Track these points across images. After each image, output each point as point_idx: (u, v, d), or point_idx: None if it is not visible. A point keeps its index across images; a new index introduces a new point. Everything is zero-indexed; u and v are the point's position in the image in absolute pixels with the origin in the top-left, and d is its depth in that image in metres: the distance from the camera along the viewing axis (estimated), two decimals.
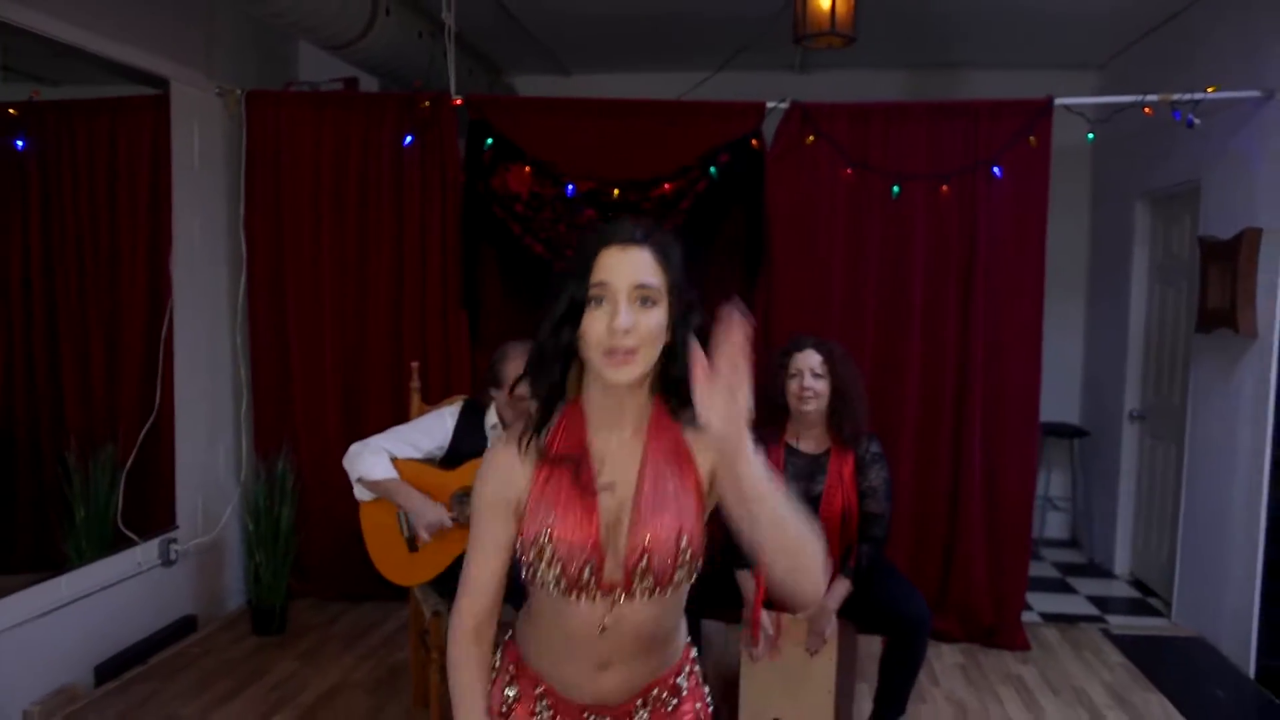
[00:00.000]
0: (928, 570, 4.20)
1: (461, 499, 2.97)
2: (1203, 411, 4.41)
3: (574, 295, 1.36)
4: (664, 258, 1.38)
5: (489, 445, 2.99)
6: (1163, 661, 4.07)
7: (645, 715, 1.51)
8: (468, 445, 3.00)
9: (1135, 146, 5.09)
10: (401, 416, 3.37)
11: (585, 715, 1.49)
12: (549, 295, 1.39)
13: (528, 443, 1.43)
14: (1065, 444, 5.98)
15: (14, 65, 3.64)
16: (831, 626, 3.00)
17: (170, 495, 4.15)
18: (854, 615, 3.09)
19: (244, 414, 4.40)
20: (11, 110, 3.84)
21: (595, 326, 1.33)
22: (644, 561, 1.39)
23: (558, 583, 1.40)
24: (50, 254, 3.96)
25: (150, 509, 4.09)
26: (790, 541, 1.25)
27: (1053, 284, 5.96)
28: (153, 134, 4.13)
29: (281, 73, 4.90)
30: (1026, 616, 4.43)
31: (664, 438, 1.43)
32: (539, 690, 1.50)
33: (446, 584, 2.98)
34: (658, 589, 1.41)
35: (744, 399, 1.16)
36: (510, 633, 1.56)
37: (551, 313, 1.37)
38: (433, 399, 3.58)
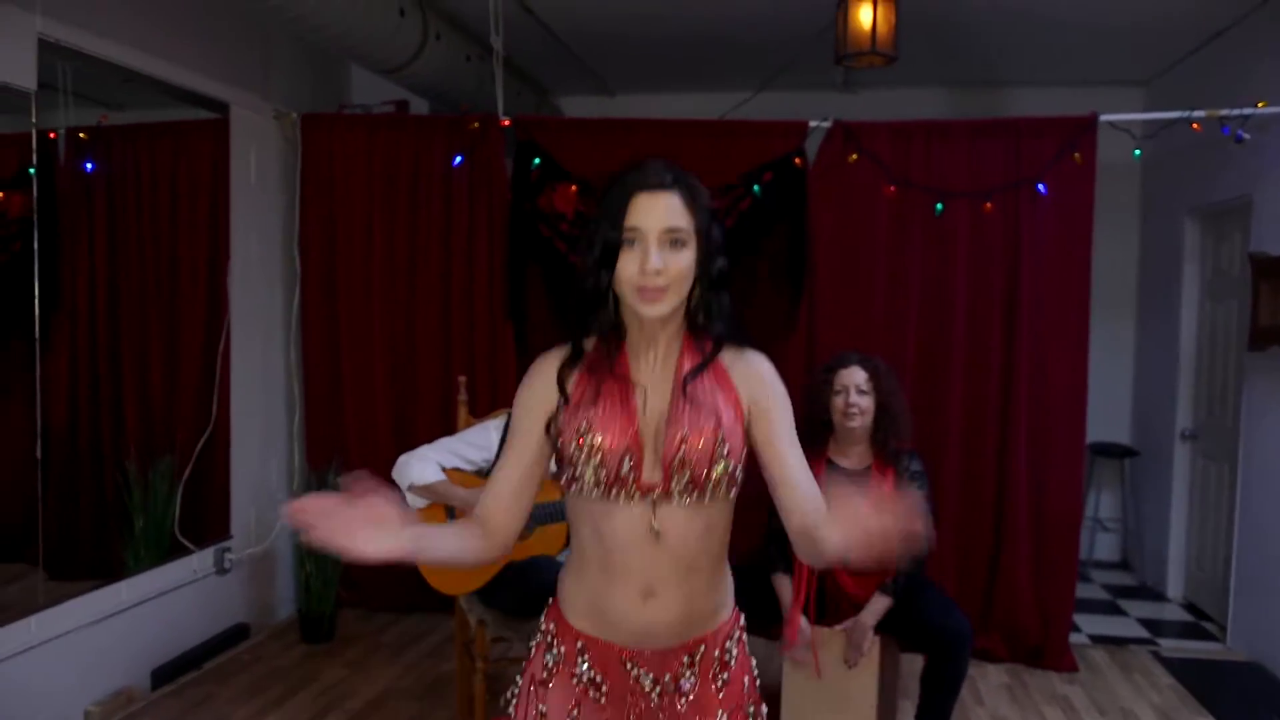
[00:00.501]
0: (973, 588, 4.17)
1: None
2: (1257, 431, 4.34)
3: (607, 239, 1.44)
4: (692, 201, 1.45)
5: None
6: (1215, 685, 3.99)
7: (693, 677, 1.51)
8: None
9: (1183, 162, 5.04)
10: (451, 429, 3.44)
11: (629, 666, 1.49)
12: (583, 241, 1.50)
13: (569, 358, 1.51)
14: (1115, 464, 5.90)
15: (84, 91, 3.78)
16: (869, 640, 3.01)
17: (225, 506, 4.25)
18: (895, 632, 3.09)
19: (296, 427, 4.51)
20: (82, 134, 3.98)
21: (629, 267, 1.43)
22: (680, 453, 1.43)
23: (597, 479, 1.44)
24: (115, 271, 4.08)
25: (206, 519, 4.19)
26: None
27: (1101, 302, 5.90)
28: (212, 156, 4.26)
29: (334, 96, 5.05)
30: (1075, 638, 4.37)
31: (697, 358, 1.50)
32: (579, 644, 1.51)
33: (492, 594, 3.03)
34: (696, 490, 1.44)
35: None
36: (551, 599, 1.59)
37: (588, 257, 1.46)
38: (480, 411, 3.65)
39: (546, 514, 2.99)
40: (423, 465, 3.00)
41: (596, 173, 4.26)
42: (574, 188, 4.26)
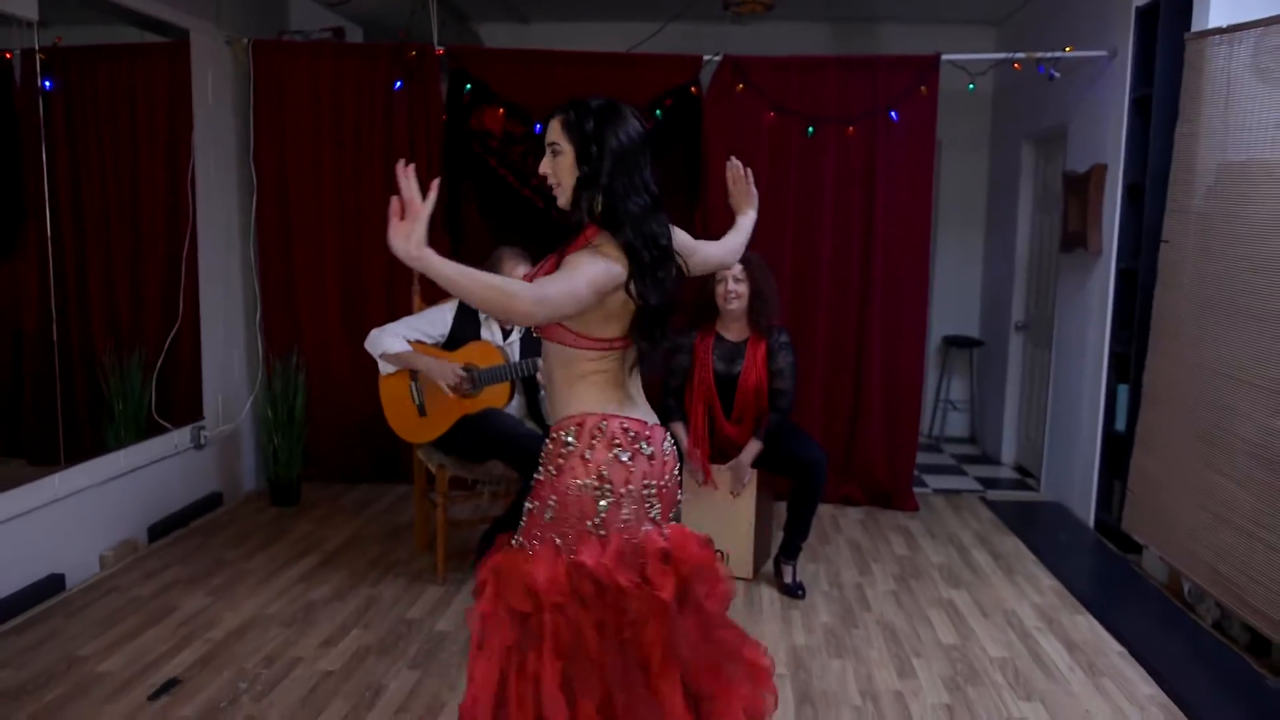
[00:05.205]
0: (836, 444, 5.06)
1: (466, 371, 3.74)
2: (1065, 317, 5.31)
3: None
4: (567, 121, 1.92)
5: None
6: (1025, 518, 5.02)
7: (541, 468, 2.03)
8: (464, 332, 3.77)
9: (1021, 96, 5.92)
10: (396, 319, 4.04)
11: None
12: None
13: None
14: (965, 353, 6.91)
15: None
16: (749, 475, 3.86)
17: (195, 391, 4.82)
18: (769, 465, 3.95)
19: (257, 320, 5.09)
20: (40, 55, 4.36)
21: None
22: None
23: None
24: (78, 184, 4.49)
25: (177, 403, 4.73)
26: (483, 291, 1.70)
27: (958, 215, 6.88)
28: (168, 77, 4.69)
29: (275, 23, 5.48)
30: (920, 491, 5.35)
31: (580, 240, 1.96)
32: None
33: (450, 441, 3.76)
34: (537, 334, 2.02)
35: (417, 234, 1.61)
36: None
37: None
38: (430, 300, 4.28)
39: (493, 375, 3.73)
40: (392, 338, 3.68)
41: (521, 96, 4.89)
42: (501, 110, 4.88)
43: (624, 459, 1.95)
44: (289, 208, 5.01)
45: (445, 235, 5.00)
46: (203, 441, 4.76)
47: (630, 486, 1.96)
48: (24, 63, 4.19)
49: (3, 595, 3.47)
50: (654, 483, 2.00)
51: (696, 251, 2.17)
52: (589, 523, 1.94)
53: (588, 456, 1.94)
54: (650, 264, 1.91)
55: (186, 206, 4.69)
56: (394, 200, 1.62)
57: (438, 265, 1.64)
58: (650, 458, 1.99)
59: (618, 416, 1.97)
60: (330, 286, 5.06)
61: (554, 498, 1.96)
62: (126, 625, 3.43)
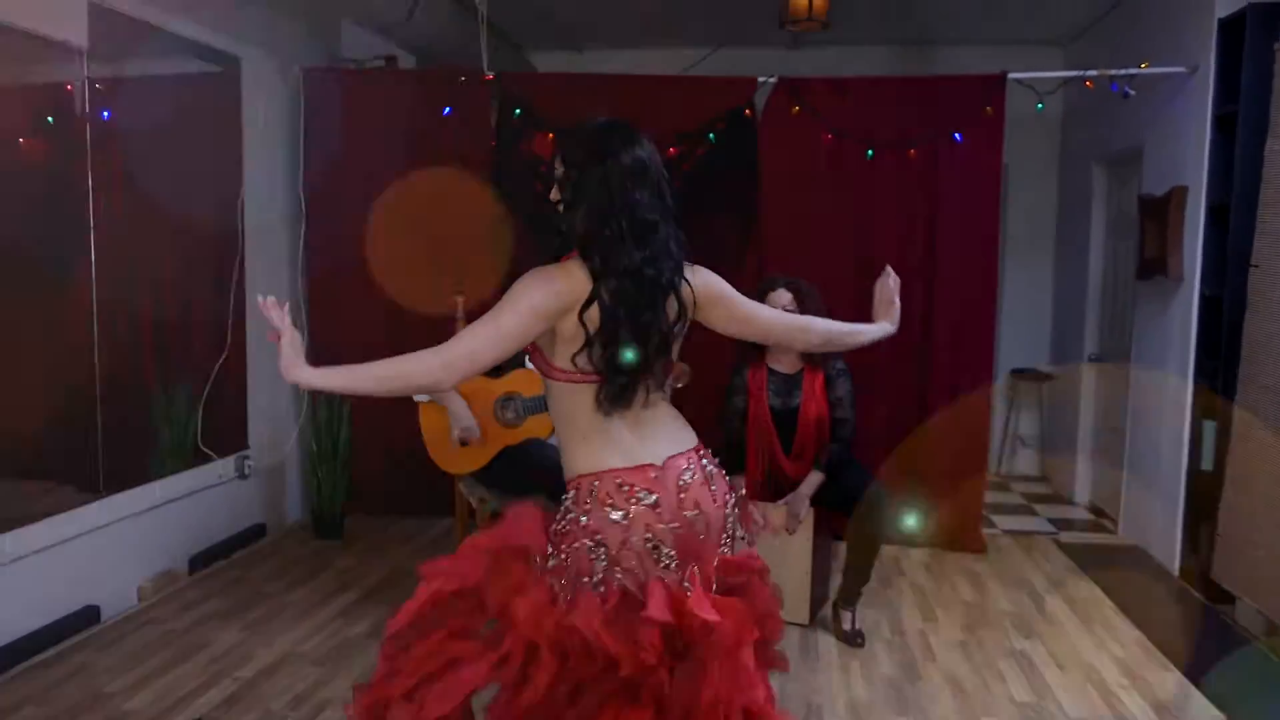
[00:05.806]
0: (899, 484, 4.80)
1: (504, 403, 3.61)
2: (1143, 348, 5.01)
3: None
4: (559, 153, 1.93)
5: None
6: (1101, 561, 4.71)
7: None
8: (509, 359, 3.63)
9: (1093, 116, 5.67)
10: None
11: None
12: None
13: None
14: (1034, 387, 6.60)
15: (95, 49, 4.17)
16: (805, 508, 3.65)
17: (243, 421, 4.77)
18: (826, 500, 3.72)
19: (304, 351, 5.01)
20: (98, 85, 4.39)
21: None
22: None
23: None
24: (129, 213, 4.48)
25: (223, 433, 4.68)
26: (378, 384, 1.79)
27: (1026, 241, 6.59)
28: (221, 105, 4.70)
29: (327, 50, 5.48)
30: (989, 532, 5.06)
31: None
32: None
33: (490, 474, 3.62)
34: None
35: (287, 357, 1.76)
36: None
37: None
38: None
39: (536, 405, 3.58)
40: None
41: (570, 122, 4.78)
42: (550, 135, 4.79)
43: (616, 518, 1.85)
44: (338, 236, 4.96)
45: (494, 258, 4.90)
46: (247, 472, 4.69)
47: (628, 544, 1.84)
48: (79, 91, 4.22)
49: (35, 627, 3.40)
50: (661, 526, 1.86)
51: (722, 303, 2.01)
52: (586, 579, 1.85)
53: (584, 521, 1.86)
54: (619, 293, 1.81)
55: (236, 234, 4.67)
56: (270, 335, 1.78)
57: (320, 381, 1.76)
58: (654, 505, 1.86)
59: (611, 471, 1.87)
60: (376, 317, 4.98)
61: (560, 553, 1.90)
62: (157, 660, 3.33)
